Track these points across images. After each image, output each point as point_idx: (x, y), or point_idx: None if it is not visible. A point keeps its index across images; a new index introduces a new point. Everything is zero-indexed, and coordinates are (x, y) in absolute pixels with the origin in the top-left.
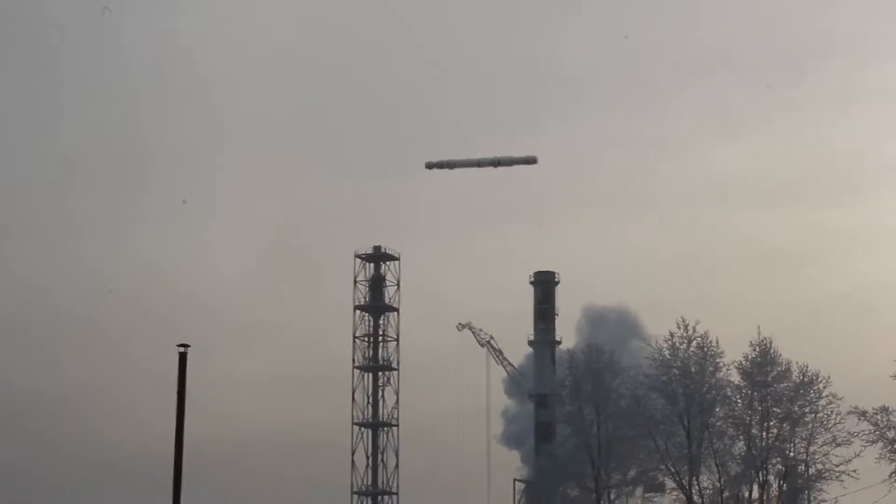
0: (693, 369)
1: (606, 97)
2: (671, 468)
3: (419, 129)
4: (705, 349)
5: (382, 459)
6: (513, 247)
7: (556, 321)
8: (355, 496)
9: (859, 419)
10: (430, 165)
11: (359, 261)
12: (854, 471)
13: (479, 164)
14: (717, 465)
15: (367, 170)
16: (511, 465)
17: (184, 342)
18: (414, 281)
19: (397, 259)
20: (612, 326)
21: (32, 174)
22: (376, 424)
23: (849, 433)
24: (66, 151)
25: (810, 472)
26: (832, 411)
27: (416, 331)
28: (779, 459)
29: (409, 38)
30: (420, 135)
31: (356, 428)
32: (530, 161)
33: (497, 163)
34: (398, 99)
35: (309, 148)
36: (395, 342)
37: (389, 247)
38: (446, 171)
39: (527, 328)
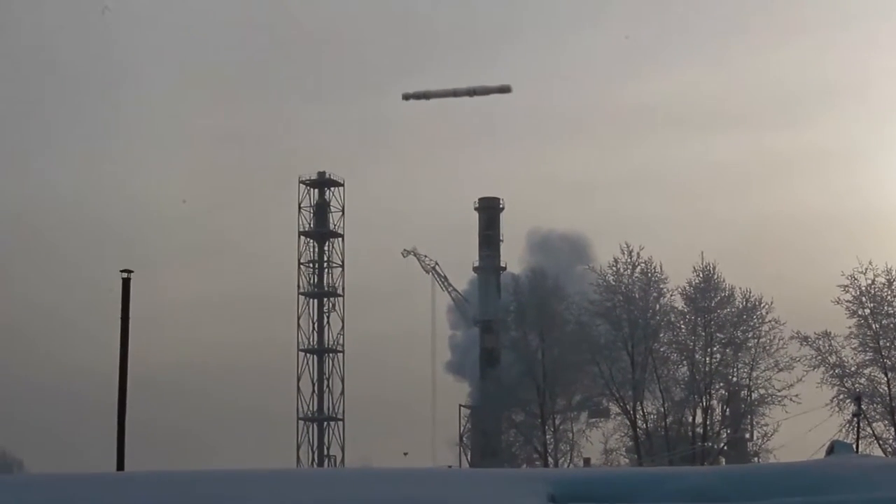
0: (637, 295)
1: (566, 25)
2: (615, 393)
3: (384, 57)
4: (649, 275)
5: (328, 385)
6: (462, 173)
7: (502, 247)
8: (301, 422)
9: (801, 344)
10: (406, 96)
11: (303, 187)
12: (796, 395)
13: (455, 93)
14: (660, 391)
15: (328, 96)
16: (458, 391)
17: (127, 267)
18: (360, 206)
19: (342, 185)
20: (560, 251)
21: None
22: (321, 351)
23: (791, 358)
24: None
25: (753, 397)
26: (775, 336)
27: (361, 257)
28: (722, 384)
29: None
30: (380, 62)
31: (301, 354)
32: (505, 90)
33: (472, 92)
34: (369, 27)
35: (265, 72)
36: (340, 268)
37: (334, 173)
38: (422, 101)
39: (473, 254)
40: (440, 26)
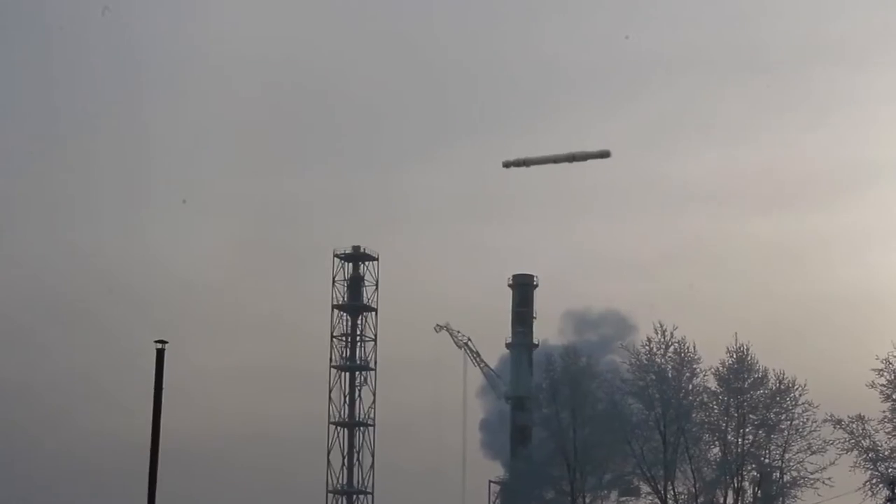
0: (670, 375)
1: (604, 102)
2: (647, 473)
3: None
4: (682, 355)
5: (358, 459)
6: (497, 249)
7: (535, 324)
8: (330, 495)
9: (835, 427)
10: (507, 164)
11: (338, 260)
12: (829, 479)
13: (555, 160)
14: (692, 471)
15: (360, 168)
16: (488, 467)
17: (161, 337)
18: (394, 280)
19: (376, 259)
20: (599, 330)
21: (28, 164)
22: (352, 424)
23: (824, 441)
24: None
25: (785, 480)
26: (808, 419)
27: (394, 331)
28: (754, 466)
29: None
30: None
31: (332, 427)
32: (604, 155)
33: (572, 158)
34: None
35: (298, 144)
36: (372, 342)
37: (369, 247)
38: (522, 168)
39: (506, 328)
40: (467, 94)
